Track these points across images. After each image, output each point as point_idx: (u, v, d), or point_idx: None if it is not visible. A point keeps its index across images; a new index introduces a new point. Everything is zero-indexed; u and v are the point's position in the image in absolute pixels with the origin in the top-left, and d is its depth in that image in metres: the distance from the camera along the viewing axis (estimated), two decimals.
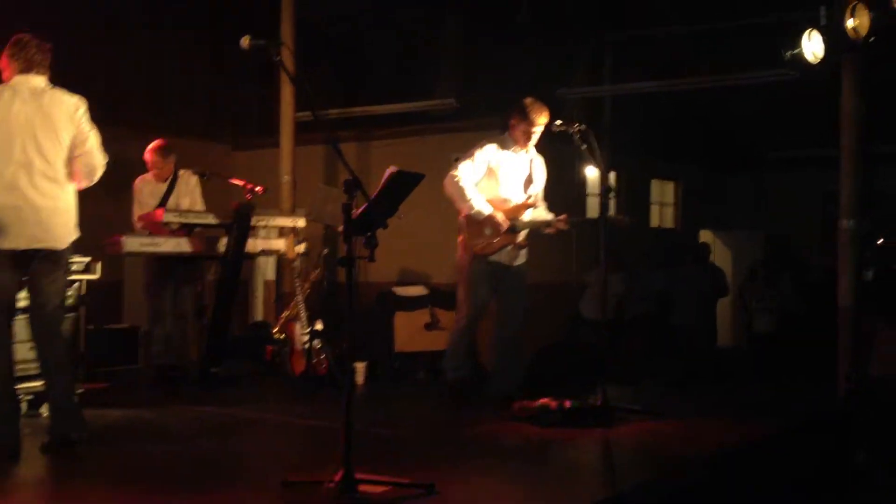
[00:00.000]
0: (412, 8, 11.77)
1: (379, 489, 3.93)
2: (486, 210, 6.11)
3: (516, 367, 6.41)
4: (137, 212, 7.39)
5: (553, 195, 6.77)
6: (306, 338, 7.22)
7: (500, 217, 6.11)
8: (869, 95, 7.56)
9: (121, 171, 7.72)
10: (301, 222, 7.98)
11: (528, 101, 6.17)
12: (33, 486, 4.40)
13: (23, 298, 4.93)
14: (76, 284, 6.08)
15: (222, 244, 7.31)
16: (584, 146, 5.88)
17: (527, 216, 6.28)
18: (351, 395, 4.00)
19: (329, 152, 10.41)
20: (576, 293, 10.87)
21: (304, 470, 4.12)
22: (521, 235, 6.23)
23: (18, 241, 4.66)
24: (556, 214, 6.34)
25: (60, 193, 4.80)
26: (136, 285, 8.19)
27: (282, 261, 9.55)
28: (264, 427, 5.88)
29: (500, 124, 6.34)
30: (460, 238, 6.31)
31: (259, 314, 10.77)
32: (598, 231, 6.05)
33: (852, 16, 5.99)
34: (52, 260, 4.78)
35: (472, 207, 6.11)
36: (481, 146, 6.21)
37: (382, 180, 4.26)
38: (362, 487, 3.86)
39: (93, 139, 4.93)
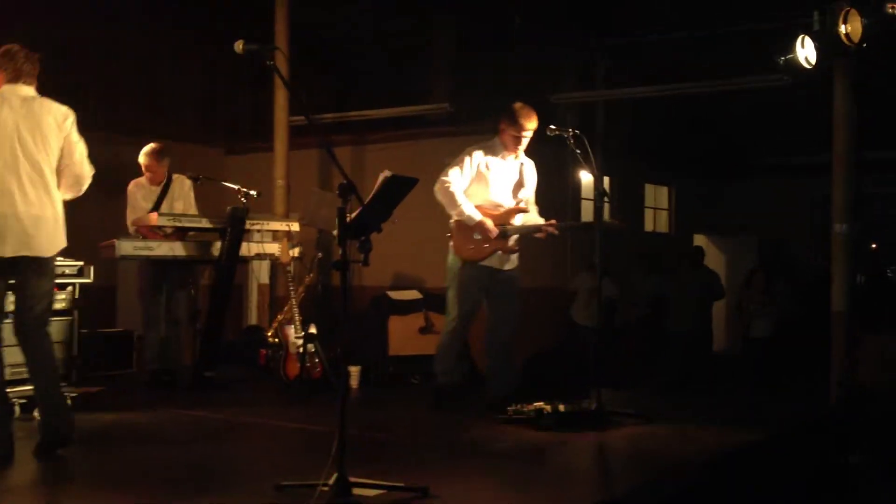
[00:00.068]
0: (406, 13, 11.80)
1: (373, 493, 3.94)
2: (476, 216, 6.12)
3: (510, 371, 6.42)
4: (131, 216, 7.38)
5: (548, 200, 6.78)
6: (300, 342, 7.21)
7: (489, 224, 6.12)
8: (862, 101, 7.60)
9: (115, 175, 7.73)
10: (295, 226, 7.98)
11: (518, 105, 6.16)
12: (26, 490, 4.39)
13: (11, 303, 4.94)
14: (70, 288, 6.08)
15: (216, 248, 7.31)
16: (578, 151, 5.89)
17: (517, 221, 6.29)
18: (345, 398, 3.99)
19: (323, 156, 10.41)
20: (569, 298, 10.89)
21: (298, 474, 4.11)
22: (512, 240, 6.24)
23: (4, 249, 4.66)
24: (549, 219, 6.34)
25: (48, 202, 4.80)
26: (129, 289, 8.19)
27: (276, 265, 9.57)
28: (258, 431, 5.87)
29: (494, 129, 6.35)
30: (451, 242, 6.32)
31: (253, 318, 10.79)
32: (591, 236, 6.06)
33: (845, 21, 6.01)
34: (37, 267, 4.78)
35: (462, 213, 6.12)
36: (469, 152, 6.22)
37: (377, 185, 4.26)
38: (356, 491, 3.85)
39: (80, 150, 4.94)
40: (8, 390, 5.21)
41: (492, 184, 6.24)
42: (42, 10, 9.18)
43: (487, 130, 6.36)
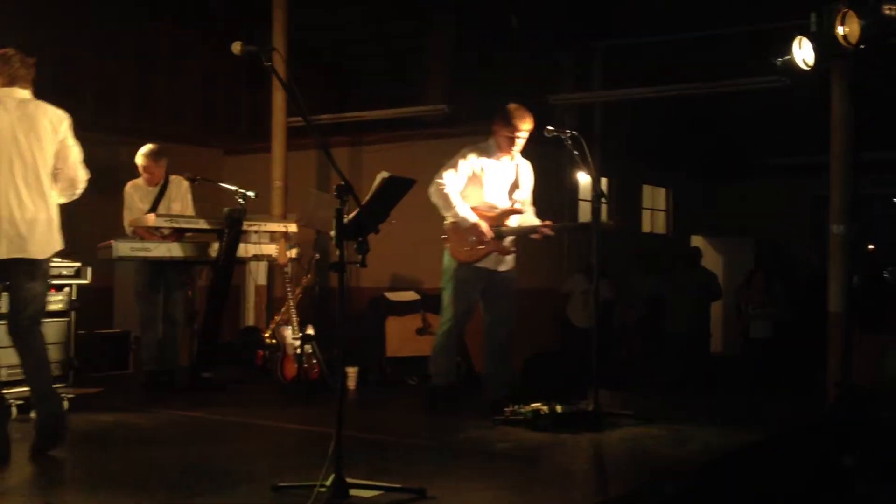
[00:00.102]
0: (404, 16, 11.80)
1: (370, 494, 3.93)
2: (471, 218, 6.13)
3: (507, 372, 6.42)
4: (128, 217, 7.37)
5: (545, 201, 6.78)
6: (298, 343, 7.21)
7: (483, 227, 6.12)
8: (860, 102, 7.61)
9: (112, 176, 7.74)
10: (293, 227, 7.98)
11: (512, 106, 6.16)
12: (23, 491, 4.38)
13: (5, 304, 4.95)
14: (67, 289, 6.07)
15: (214, 249, 7.31)
16: (576, 152, 5.89)
17: (514, 222, 6.29)
18: (342, 399, 4.00)
19: (321, 157, 10.42)
20: (565, 299, 10.90)
21: (296, 474, 4.12)
22: (507, 242, 6.24)
23: None
24: (546, 220, 6.34)
25: (42, 204, 4.80)
26: (126, 290, 8.19)
27: (273, 266, 9.56)
28: (255, 432, 5.86)
29: (490, 130, 6.35)
30: (446, 244, 6.33)
31: (250, 319, 10.79)
32: (588, 236, 6.06)
33: (842, 23, 6.01)
34: (31, 270, 4.79)
35: (456, 215, 6.13)
36: (463, 154, 6.22)
37: (374, 186, 4.26)
38: (354, 492, 3.86)
39: (75, 154, 4.95)
40: (5, 391, 5.23)
41: (486, 185, 6.24)
42: (40, 11, 9.17)
43: (485, 132, 6.35)
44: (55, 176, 4.89)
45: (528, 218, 6.38)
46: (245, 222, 7.35)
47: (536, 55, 11.78)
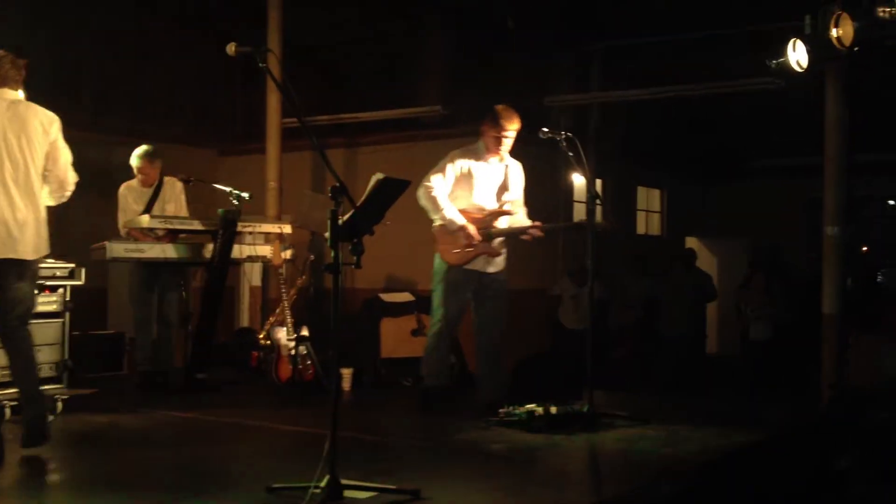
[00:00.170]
0: (400, 16, 11.79)
1: (365, 495, 3.93)
2: (459, 220, 6.14)
3: (500, 373, 6.43)
4: (122, 218, 7.36)
5: (540, 202, 6.78)
6: (292, 344, 7.21)
7: (471, 230, 6.13)
8: (854, 104, 7.63)
9: (107, 177, 7.73)
10: (287, 228, 7.97)
11: (500, 107, 6.20)
12: (18, 492, 4.37)
13: None
14: (61, 290, 6.06)
15: (208, 250, 7.30)
16: (571, 154, 5.90)
17: (504, 223, 6.30)
18: (337, 400, 4.00)
19: (316, 158, 10.40)
20: (557, 301, 10.89)
21: (290, 476, 4.11)
22: (496, 243, 6.25)
23: None
24: (541, 221, 6.35)
25: (32, 205, 4.80)
26: (121, 292, 8.17)
27: (268, 267, 9.55)
28: (250, 433, 5.86)
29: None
30: (435, 247, 6.34)
31: (245, 320, 10.77)
32: (583, 237, 6.06)
33: (836, 25, 6.03)
34: (20, 271, 4.79)
35: (444, 217, 6.15)
36: (451, 158, 6.24)
37: (369, 187, 4.26)
38: (348, 493, 3.86)
39: (65, 156, 4.95)
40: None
41: (475, 187, 6.25)
42: (36, 13, 9.16)
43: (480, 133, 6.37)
44: (45, 177, 4.89)
45: (520, 219, 6.39)
46: (239, 223, 7.34)
47: (535, 56, 11.78)
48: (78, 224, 7.95)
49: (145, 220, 7.08)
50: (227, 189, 7.40)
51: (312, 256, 8.22)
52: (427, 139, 10.42)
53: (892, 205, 16.02)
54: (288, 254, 7.69)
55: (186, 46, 11.18)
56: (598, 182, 11.82)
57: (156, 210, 7.35)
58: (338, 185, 3.97)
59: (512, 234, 6.32)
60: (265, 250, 7.71)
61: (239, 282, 10.70)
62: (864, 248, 14.67)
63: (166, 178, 7.52)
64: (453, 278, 6.26)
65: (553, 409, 5.65)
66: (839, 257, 7.67)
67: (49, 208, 5.01)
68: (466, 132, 8.30)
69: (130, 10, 10.64)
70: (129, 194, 7.41)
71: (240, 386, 7.72)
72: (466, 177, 6.22)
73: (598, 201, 6.03)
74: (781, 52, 6.38)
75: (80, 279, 6.14)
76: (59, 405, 5.94)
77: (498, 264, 6.32)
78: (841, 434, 6.41)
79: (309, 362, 7.25)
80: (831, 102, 7.67)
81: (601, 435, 5.57)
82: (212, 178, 8.61)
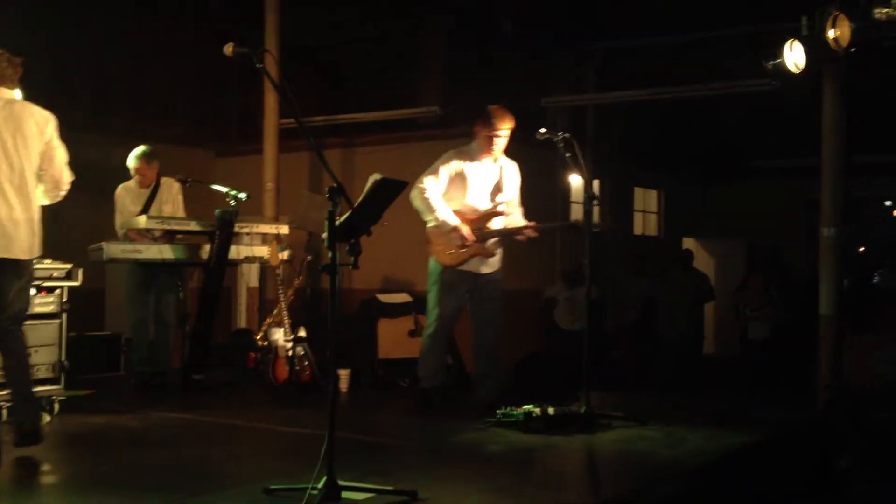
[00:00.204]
0: (398, 16, 11.79)
1: (362, 496, 3.93)
2: (452, 221, 6.15)
3: (497, 374, 6.43)
4: (119, 219, 7.36)
5: (537, 203, 6.78)
6: (290, 345, 7.20)
7: (465, 231, 6.14)
8: (851, 105, 7.63)
9: (104, 178, 7.72)
10: (285, 229, 7.97)
11: (493, 107, 6.21)
12: (16, 492, 4.37)
13: None
14: (58, 291, 6.05)
15: (205, 251, 7.29)
16: (568, 154, 5.90)
17: (498, 223, 6.30)
18: (334, 401, 3.99)
19: (313, 159, 10.41)
20: (552, 303, 10.89)
21: (287, 477, 4.11)
22: (490, 244, 6.25)
23: None
24: (538, 222, 6.35)
25: (27, 205, 4.80)
26: (118, 292, 8.16)
27: (265, 268, 9.54)
28: (247, 434, 5.85)
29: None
30: (429, 248, 6.34)
31: (242, 321, 10.77)
32: (580, 238, 6.05)
33: (833, 26, 6.03)
34: (15, 270, 4.78)
35: (437, 219, 6.15)
36: (444, 159, 6.25)
37: (366, 188, 4.26)
38: (345, 494, 3.85)
39: (61, 155, 4.94)
40: None
41: (469, 188, 6.26)
42: (35, 13, 9.15)
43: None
44: (40, 177, 4.88)
45: (515, 219, 6.39)
46: (237, 224, 7.34)
47: (534, 56, 11.79)
48: (76, 225, 7.94)
49: (142, 220, 7.08)
50: (225, 190, 7.39)
51: (310, 257, 8.21)
52: (425, 140, 10.42)
53: (888, 206, 16.06)
54: (285, 254, 7.69)
55: (185, 47, 11.18)
56: (596, 183, 11.83)
57: (153, 211, 7.34)
58: (335, 185, 3.96)
59: (506, 235, 6.33)
60: (262, 251, 7.71)
61: (236, 282, 10.71)
62: (861, 249, 14.69)
63: (163, 179, 7.51)
64: (448, 279, 6.26)
65: (550, 410, 5.64)
66: (836, 258, 7.67)
67: (47, 208, 5.01)
68: (464, 133, 8.31)
69: (130, 10, 10.64)
70: (127, 195, 7.40)
71: (237, 387, 7.71)
72: (460, 177, 6.23)
73: (595, 202, 6.02)
74: (778, 53, 6.38)
75: (77, 280, 6.14)
76: (56, 406, 5.94)
77: (493, 265, 6.32)
78: (838, 435, 6.41)
79: (306, 363, 7.24)
80: (829, 104, 7.67)
81: (599, 436, 5.57)
82: (209, 178, 8.60)
